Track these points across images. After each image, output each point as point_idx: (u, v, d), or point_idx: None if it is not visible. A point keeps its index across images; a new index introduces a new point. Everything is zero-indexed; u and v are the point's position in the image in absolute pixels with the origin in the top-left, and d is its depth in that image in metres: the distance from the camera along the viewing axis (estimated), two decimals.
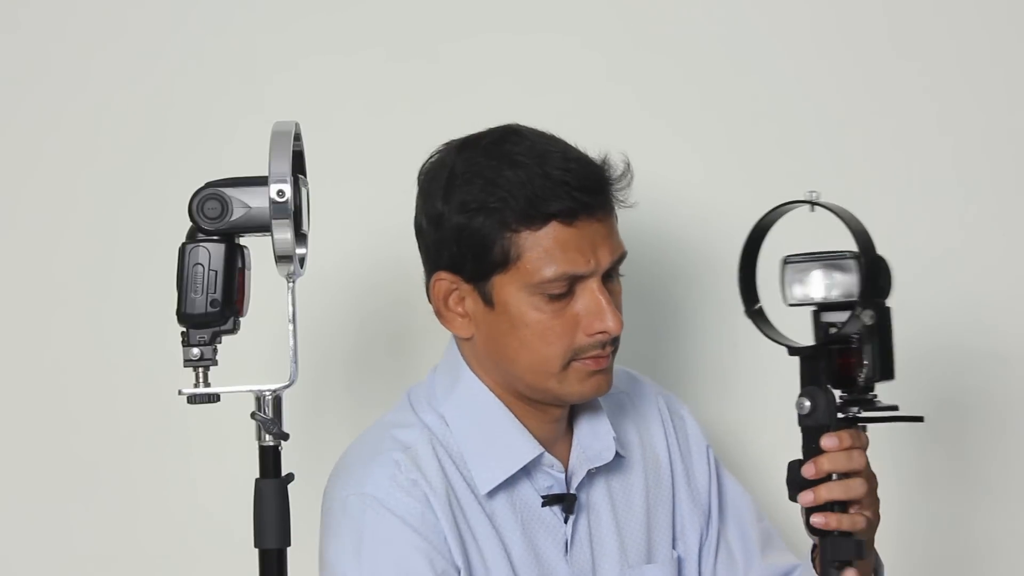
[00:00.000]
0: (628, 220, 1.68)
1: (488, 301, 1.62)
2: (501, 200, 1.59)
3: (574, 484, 1.69)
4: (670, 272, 2.16)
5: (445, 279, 1.64)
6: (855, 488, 1.46)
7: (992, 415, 2.17)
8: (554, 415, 1.68)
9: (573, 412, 1.73)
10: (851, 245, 1.44)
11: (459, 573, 1.61)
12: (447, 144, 1.67)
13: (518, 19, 2.16)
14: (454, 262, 1.63)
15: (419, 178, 1.68)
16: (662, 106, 2.16)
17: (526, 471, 1.67)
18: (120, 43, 2.15)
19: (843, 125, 2.17)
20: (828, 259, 1.45)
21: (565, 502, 1.67)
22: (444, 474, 1.63)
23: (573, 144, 1.66)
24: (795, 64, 2.18)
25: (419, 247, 1.68)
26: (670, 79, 2.17)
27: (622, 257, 1.65)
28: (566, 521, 1.68)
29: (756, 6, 2.17)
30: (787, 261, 1.47)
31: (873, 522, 1.52)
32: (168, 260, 1.45)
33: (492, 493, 1.65)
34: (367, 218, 2.15)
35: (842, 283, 1.45)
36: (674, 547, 1.75)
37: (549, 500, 1.66)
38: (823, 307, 1.46)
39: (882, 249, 1.44)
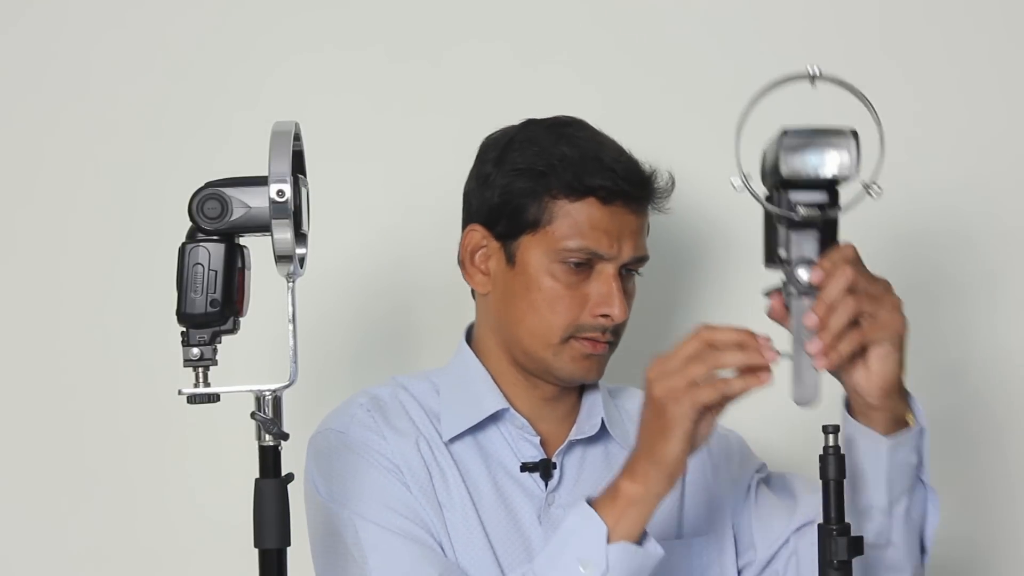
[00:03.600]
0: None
1: (511, 259, 1.71)
2: (549, 166, 1.69)
3: (556, 454, 1.74)
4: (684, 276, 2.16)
5: (477, 231, 1.74)
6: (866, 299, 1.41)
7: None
8: (544, 393, 1.75)
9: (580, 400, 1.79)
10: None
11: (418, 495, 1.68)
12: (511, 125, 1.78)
13: (520, 20, 2.17)
14: (490, 217, 1.73)
15: (480, 149, 1.78)
16: (663, 106, 2.16)
17: (503, 435, 1.73)
18: (121, 43, 2.15)
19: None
20: (832, 134, 1.41)
21: (540, 468, 1.72)
22: (411, 419, 1.72)
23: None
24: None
25: (463, 210, 1.78)
26: (673, 81, 2.17)
27: (643, 259, 1.73)
28: (546, 488, 1.72)
29: (757, 4, 2.18)
30: (786, 133, 1.42)
31: (892, 328, 1.46)
32: (168, 260, 1.45)
33: (460, 445, 1.72)
34: (367, 218, 2.15)
35: (839, 161, 1.41)
36: (679, 536, 1.76)
37: (528, 466, 1.72)
38: (798, 184, 1.41)
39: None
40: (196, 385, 1.44)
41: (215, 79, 2.15)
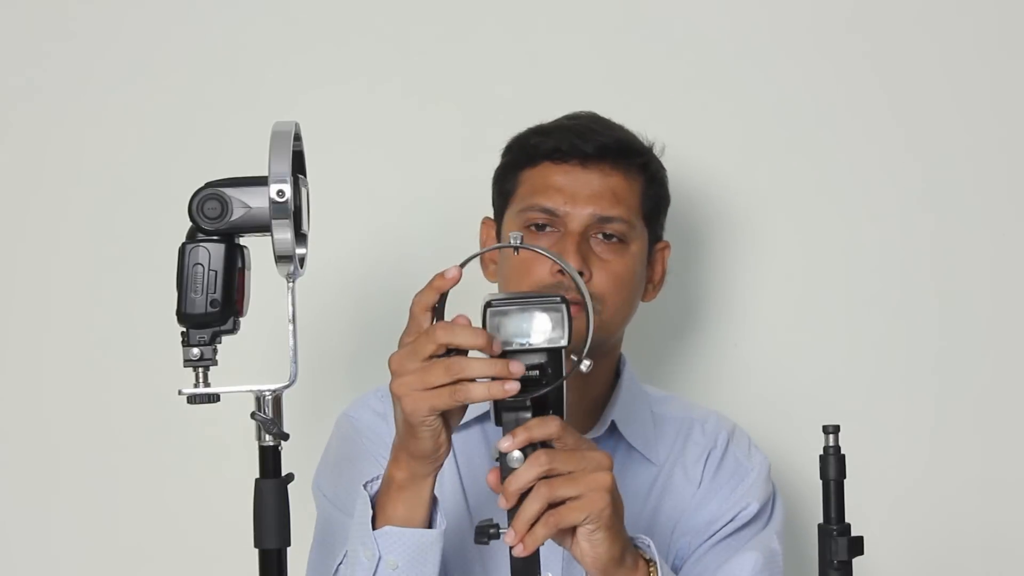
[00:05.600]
0: None
1: (500, 241, 1.76)
2: (516, 141, 1.75)
3: None
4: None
5: (487, 224, 1.81)
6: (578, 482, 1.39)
7: None
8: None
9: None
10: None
11: None
12: None
13: (523, 17, 2.16)
14: (494, 206, 1.80)
15: None
16: (665, 104, 2.16)
17: None
18: (121, 44, 2.16)
19: (846, 122, 2.18)
20: (540, 303, 1.39)
21: None
22: None
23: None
24: (798, 61, 2.18)
25: None
26: (674, 77, 2.17)
27: (609, 219, 1.70)
28: None
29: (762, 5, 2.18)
30: (490, 305, 1.40)
31: (590, 509, 1.41)
32: (168, 260, 1.45)
33: (467, 434, 1.74)
34: (367, 218, 2.15)
35: (546, 329, 1.38)
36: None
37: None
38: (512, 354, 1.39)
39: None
40: (196, 385, 1.43)
41: (215, 79, 2.15)
